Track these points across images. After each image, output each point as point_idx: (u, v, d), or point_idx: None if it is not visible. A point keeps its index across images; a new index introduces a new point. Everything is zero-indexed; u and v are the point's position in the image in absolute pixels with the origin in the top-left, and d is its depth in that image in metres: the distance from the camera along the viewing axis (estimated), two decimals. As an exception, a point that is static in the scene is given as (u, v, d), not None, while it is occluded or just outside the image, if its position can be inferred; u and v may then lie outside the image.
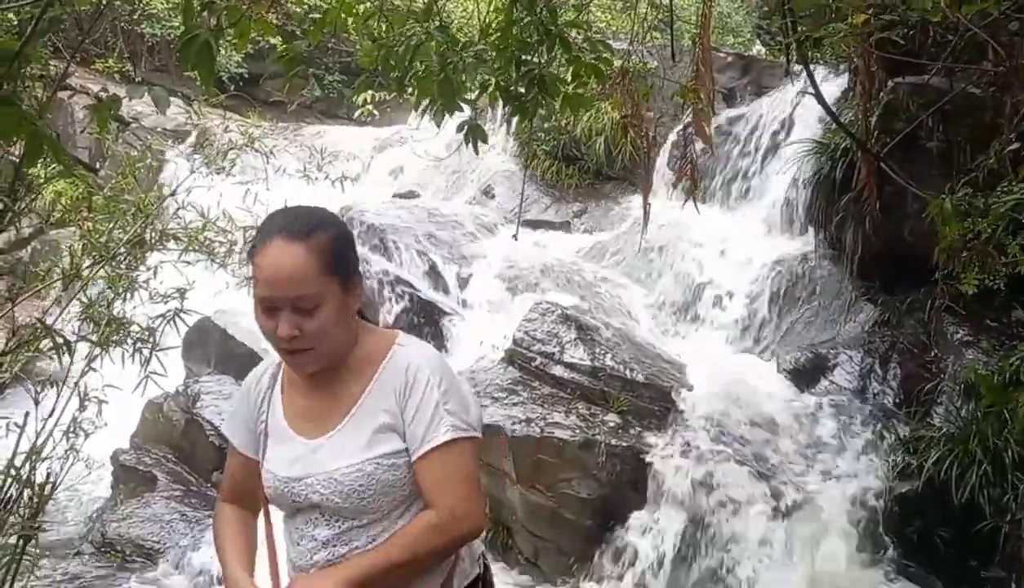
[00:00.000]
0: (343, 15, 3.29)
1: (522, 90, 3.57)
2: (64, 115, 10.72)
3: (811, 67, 5.75)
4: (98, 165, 10.42)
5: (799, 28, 5.51)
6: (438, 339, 7.08)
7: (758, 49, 10.52)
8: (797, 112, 7.75)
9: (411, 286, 7.36)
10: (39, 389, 3.22)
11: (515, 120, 9.44)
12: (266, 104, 12.38)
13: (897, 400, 5.65)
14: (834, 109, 7.14)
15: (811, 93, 5.39)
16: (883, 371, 5.89)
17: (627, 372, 5.86)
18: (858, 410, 5.62)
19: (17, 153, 3.18)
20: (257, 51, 10.37)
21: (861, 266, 6.58)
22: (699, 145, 6.97)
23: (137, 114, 10.80)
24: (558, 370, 5.88)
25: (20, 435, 3.03)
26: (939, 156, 5.80)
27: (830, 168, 6.75)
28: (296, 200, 6.44)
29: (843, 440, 5.41)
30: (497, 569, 5.33)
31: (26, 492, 3.00)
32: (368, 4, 3.35)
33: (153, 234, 4.05)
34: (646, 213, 5.27)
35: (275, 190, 7.15)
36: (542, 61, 3.50)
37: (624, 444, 5.32)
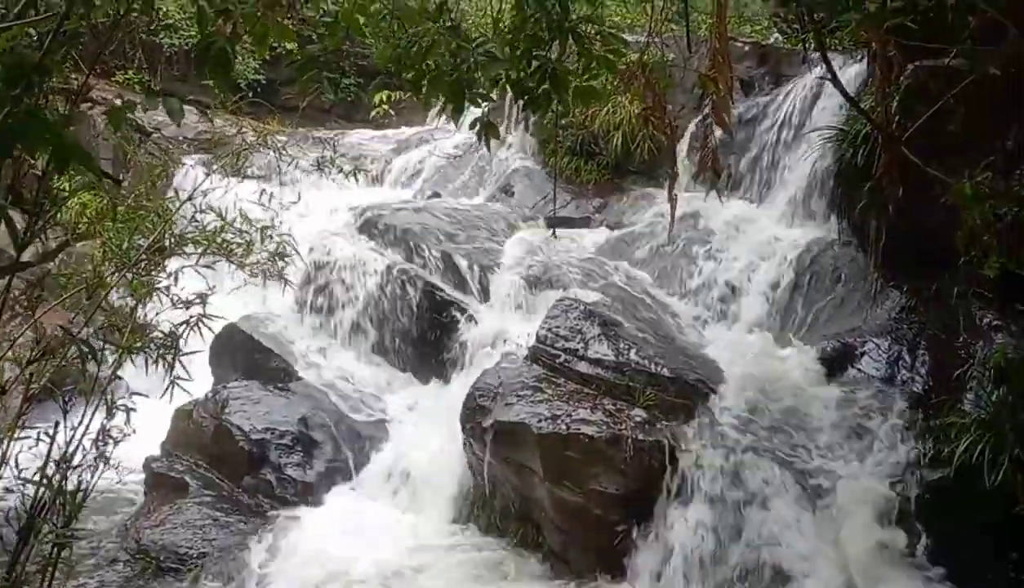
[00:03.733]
0: (356, 16, 3.30)
1: (533, 85, 3.56)
2: (87, 128, 10.84)
3: (829, 54, 5.70)
4: (121, 176, 10.54)
5: (815, 15, 5.46)
6: (461, 337, 7.10)
7: (776, 38, 10.42)
8: (817, 100, 7.68)
9: (433, 286, 7.38)
10: (67, 399, 3.26)
11: (532, 118, 9.42)
12: (284, 109, 12.45)
13: (926, 387, 5.58)
14: (854, 95, 7.08)
15: (830, 79, 5.34)
16: (911, 358, 5.83)
17: (652, 366, 5.84)
18: (887, 398, 5.56)
19: (40, 167, 3.21)
20: (275, 57, 10.44)
21: (885, 253, 6.50)
22: (719, 134, 6.95)
23: (159, 124, 10.90)
24: (582, 366, 5.87)
25: (51, 444, 3.07)
26: (961, 140, 5.72)
27: (851, 155, 6.68)
28: (311, 196, 6.48)
29: (872, 428, 5.35)
30: (527, 565, 5.35)
31: (58, 500, 3.03)
32: (380, 4, 3.36)
33: (172, 239, 4.08)
34: (673, 206, 5.25)
35: (291, 188, 7.15)
36: (553, 56, 3.49)
37: (651, 439, 5.30)
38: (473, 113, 3.74)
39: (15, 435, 3.03)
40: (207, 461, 6.20)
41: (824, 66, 7.16)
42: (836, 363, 6.00)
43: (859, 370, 5.91)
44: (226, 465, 6.17)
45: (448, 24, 2.94)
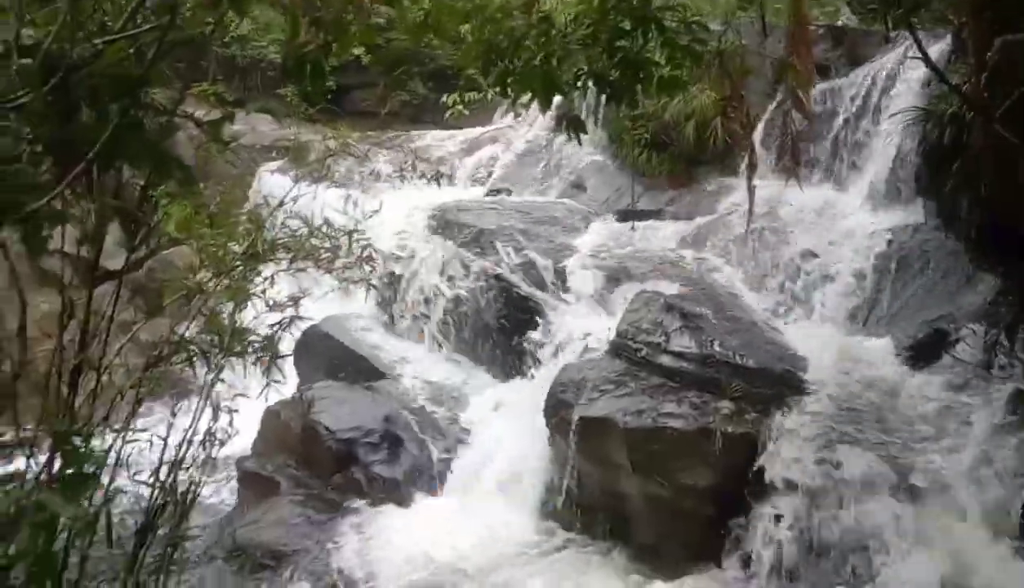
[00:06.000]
0: (441, 18, 3.32)
1: (616, 76, 3.54)
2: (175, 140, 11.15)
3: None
4: (202, 184, 10.81)
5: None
6: (540, 333, 7.10)
7: (848, 18, 10.18)
8: (898, 80, 7.47)
9: (510, 283, 7.40)
10: (175, 402, 3.36)
11: (602, 111, 9.36)
12: (355, 115, 12.63)
13: (1029, 373, 5.38)
14: (930, 83, 6.88)
15: (917, 57, 5.19)
16: (1010, 343, 5.62)
17: (736, 358, 5.75)
18: (984, 385, 5.37)
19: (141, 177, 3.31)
20: (343, 64, 10.62)
21: (978, 235, 6.30)
22: (798, 120, 6.84)
23: (235, 133, 11.16)
24: (665, 359, 5.82)
25: (164, 447, 3.17)
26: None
27: (938, 135, 6.50)
28: (388, 199, 6.61)
29: (971, 418, 5.18)
30: (617, 558, 5.33)
31: (169, 501, 3.13)
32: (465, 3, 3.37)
33: (264, 245, 4.17)
34: (751, 195, 5.17)
35: (372, 193, 7.19)
36: (636, 46, 3.47)
37: (740, 431, 5.23)
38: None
39: (127, 437, 3.12)
40: (296, 460, 6.32)
41: (909, 45, 6.96)
42: (928, 350, 5.83)
43: (953, 357, 5.72)
44: (315, 464, 6.28)
45: (540, 16, 2.94)
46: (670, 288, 6.72)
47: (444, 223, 8.16)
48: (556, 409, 5.75)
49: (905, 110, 6.87)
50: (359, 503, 5.99)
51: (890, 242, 6.83)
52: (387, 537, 5.63)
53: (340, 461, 6.22)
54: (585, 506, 5.68)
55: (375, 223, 6.58)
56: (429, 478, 6.26)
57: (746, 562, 4.93)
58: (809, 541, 4.80)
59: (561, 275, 7.43)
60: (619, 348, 6.01)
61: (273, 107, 2.68)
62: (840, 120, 7.78)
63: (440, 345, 7.45)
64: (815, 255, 7.15)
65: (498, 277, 7.44)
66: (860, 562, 4.64)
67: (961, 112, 6.25)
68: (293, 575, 5.30)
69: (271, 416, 6.53)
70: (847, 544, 4.70)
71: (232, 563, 5.44)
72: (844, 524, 4.76)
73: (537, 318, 7.18)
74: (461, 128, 11.46)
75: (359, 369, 7.04)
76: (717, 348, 5.84)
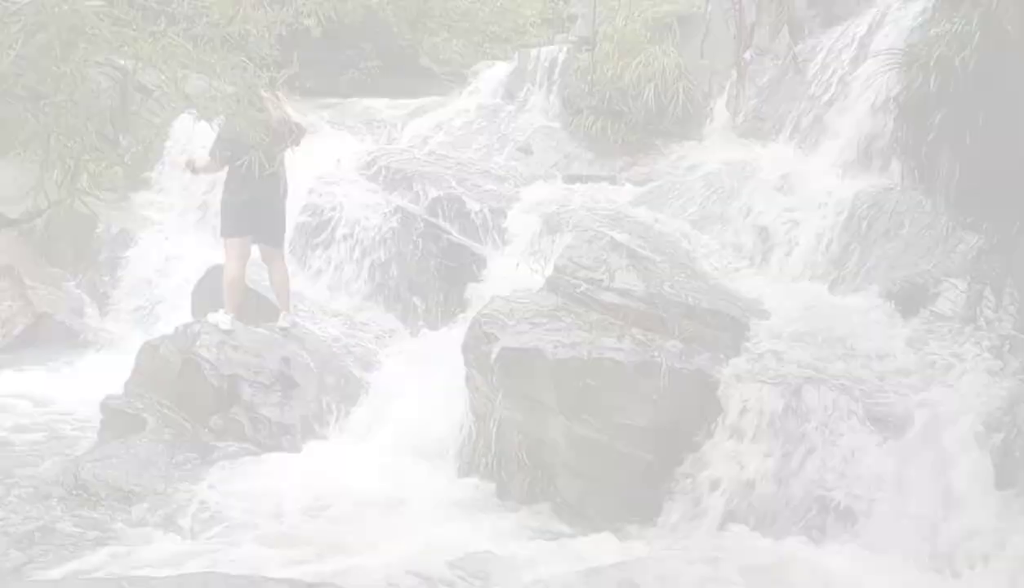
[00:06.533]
0: None
1: None
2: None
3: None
4: (120, 138, 9.90)
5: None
6: (470, 282, 6.30)
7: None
8: (876, 37, 6.88)
9: (439, 228, 6.60)
10: None
11: (558, 76, 8.69)
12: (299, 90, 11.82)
13: (1018, 325, 4.69)
14: (911, 33, 6.36)
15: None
16: (997, 298, 4.94)
17: (689, 299, 4.99)
18: (970, 336, 4.67)
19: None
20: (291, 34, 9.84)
21: (959, 192, 5.64)
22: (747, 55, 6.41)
23: (162, 82, 10.28)
24: (607, 296, 5.02)
25: None
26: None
27: (921, 82, 5.87)
28: (315, 146, 6.11)
29: (955, 366, 4.46)
30: (534, 518, 4.47)
31: None
32: None
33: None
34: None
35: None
36: None
37: (691, 367, 4.44)
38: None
39: None
40: (172, 399, 5.38)
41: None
42: (905, 304, 5.13)
43: (933, 311, 5.02)
44: (193, 403, 5.34)
45: None
46: (618, 237, 5.94)
47: (372, 166, 7.36)
48: (477, 343, 4.90)
49: (887, 52, 6.22)
50: (237, 447, 5.06)
51: (860, 202, 6.15)
52: (268, 483, 4.71)
53: (221, 400, 5.30)
54: (504, 458, 4.80)
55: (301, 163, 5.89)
56: (325, 426, 5.35)
57: (690, 515, 4.10)
58: (770, 488, 4.00)
59: (496, 223, 6.65)
60: (556, 283, 5.20)
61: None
62: (813, 80, 7.16)
63: (358, 290, 6.59)
64: (781, 217, 6.44)
65: (426, 222, 6.63)
66: (828, 508, 3.84)
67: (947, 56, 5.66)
68: (137, 517, 4.35)
69: (149, 350, 5.61)
70: (812, 488, 3.91)
71: (70, 501, 4.48)
72: (809, 467, 3.96)
73: (467, 266, 6.38)
74: (407, 98, 10.71)
75: (261, 309, 6.12)
76: (667, 289, 5.07)
